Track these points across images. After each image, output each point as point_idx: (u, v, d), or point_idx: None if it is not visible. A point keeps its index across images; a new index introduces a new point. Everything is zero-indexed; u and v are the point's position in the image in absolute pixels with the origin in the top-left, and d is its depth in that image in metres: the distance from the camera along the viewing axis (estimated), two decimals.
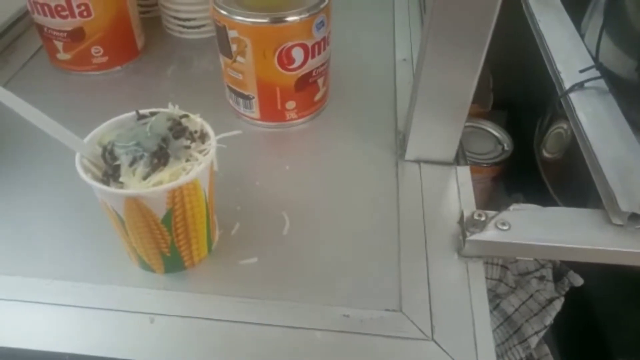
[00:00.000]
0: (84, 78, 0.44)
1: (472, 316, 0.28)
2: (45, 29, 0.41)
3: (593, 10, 0.48)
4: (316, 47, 0.37)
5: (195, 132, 0.27)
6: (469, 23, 0.30)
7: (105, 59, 0.43)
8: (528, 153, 0.54)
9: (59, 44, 0.42)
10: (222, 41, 0.37)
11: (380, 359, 0.26)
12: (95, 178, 0.25)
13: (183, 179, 0.25)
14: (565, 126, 0.47)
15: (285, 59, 0.36)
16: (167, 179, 0.24)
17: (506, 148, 0.61)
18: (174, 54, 0.48)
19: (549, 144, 0.52)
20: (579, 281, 0.46)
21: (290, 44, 0.35)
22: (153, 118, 0.27)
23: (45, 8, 0.39)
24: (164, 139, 0.26)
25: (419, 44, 0.35)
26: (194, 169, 0.25)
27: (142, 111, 0.28)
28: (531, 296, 0.45)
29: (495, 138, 0.63)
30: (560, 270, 0.47)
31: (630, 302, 0.43)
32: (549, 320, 0.43)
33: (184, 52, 0.48)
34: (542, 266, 0.47)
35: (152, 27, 0.50)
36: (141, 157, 0.25)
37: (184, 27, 0.49)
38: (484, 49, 0.31)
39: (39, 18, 0.40)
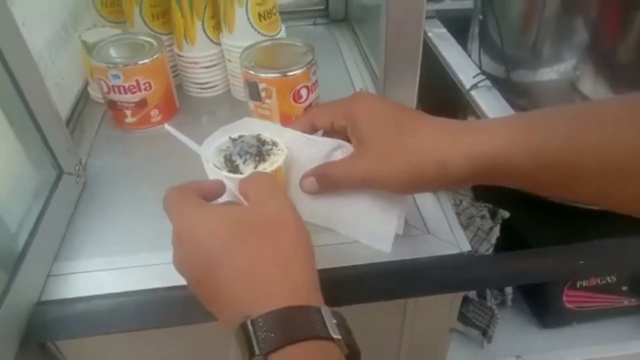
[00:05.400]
0: (146, 133, 0.60)
1: (447, 218, 0.48)
2: (118, 103, 0.58)
3: (472, 39, 0.73)
4: (313, 86, 0.57)
5: (270, 141, 0.45)
6: (407, 59, 0.51)
7: (159, 117, 0.60)
8: None
9: (128, 112, 0.58)
10: (253, 91, 0.56)
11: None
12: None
13: (276, 165, 0.43)
14: (474, 117, 0.71)
15: (297, 97, 0.55)
16: (269, 167, 0.43)
17: None
18: (200, 108, 0.66)
19: None
20: (506, 214, 0.68)
21: (299, 86, 0.55)
22: (243, 137, 0.45)
23: (121, 88, 0.56)
24: (257, 147, 0.44)
25: (369, 78, 0.56)
26: (279, 160, 0.43)
27: (232, 136, 0.46)
28: (478, 228, 0.66)
29: None
30: (493, 210, 0.69)
31: (540, 220, 0.66)
32: (493, 240, 0.64)
33: (208, 106, 0.66)
34: (481, 210, 0.69)
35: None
36: (249, 157, 0.43)
37: (202, 88, 0.67)
38: (417, 74, 0.52)
39: (114, 96, 0.57)
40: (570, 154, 0.31)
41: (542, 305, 0.67)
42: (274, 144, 0.45)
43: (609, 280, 0.66)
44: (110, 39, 0.59)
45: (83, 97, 0.65)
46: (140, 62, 0.56)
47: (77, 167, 0.50)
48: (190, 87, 0.68)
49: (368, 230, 0.44)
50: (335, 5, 0.88)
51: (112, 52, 0.57)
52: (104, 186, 0.53)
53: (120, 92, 0.56)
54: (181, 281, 0.41)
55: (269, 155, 0.44)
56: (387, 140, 0.37)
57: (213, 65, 0.66)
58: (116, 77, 0.55)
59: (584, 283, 0.65)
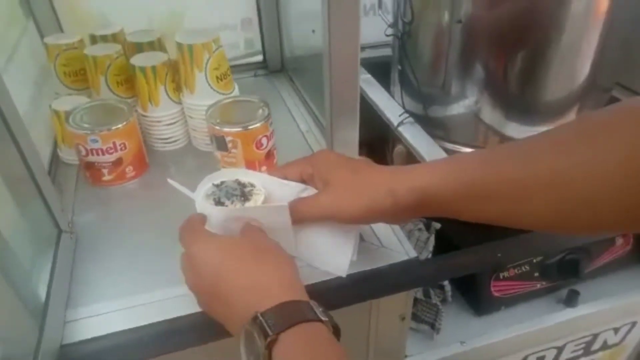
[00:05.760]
0: (121, 188, 0.66)
1: (395, 234, 0.59)
2: (96, 163, 0.63)
3: (394, 83, 0.88)
4: (271, 134, 0.67)
5: (248, 183, 0.54)
6: (348, 107, 0.63)
7: (133, 173, 0.67)
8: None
9: (105, 171, 0.64)
10: (220, 143, 0.64)
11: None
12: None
13: (258, 203, 0.52)
14: (402, 147, 0.85)
15: (259, 145, 0.65)
16: (252, 204, 0.51)
17: None
18: (167, 160, 0.73)
19: (396, 161, 0.89)
20: (438, 225, 0.82)
21: (260, 136, 0.65)
22: (225, 182, 0.54)
23: (99, 151, 0.62)
24: (240, 189, 0.53)
25: (310, 119, 0.67)
26: (259, 199, 0.52)
27: (215, 182, 0.54)
28: (417, 239, 0.78)
29: None
30: (427, 223, 0.83)
31: (464, 227, 0.79)
32: (430, 248, 0.77)
33: (172, 158, 0.74)
34: (417, 224, 0.82)
35: None
36: (235, 198, 0.51)
37: (166, 143, 0.75)
38: (357, 117, 0.64)
39: (92, 158, 0.63)
40: (492, 186, 0.37)
41: (475, 296, 0.80)
42: (252, 185, 0.54)
43: (524, 270, 0.81)
44: (83, 106, 0.65)
45: (54, 160, 0.70)
46: (114, 127, 0.63)
47: (69, 224, 0.55)
48: (155, 143, 0.75)
49: (327, 259, 0.52)
50: (272, 58, 1.00)
51: (87, 119, 0.64)
52: (92, 239, 0.58)
53: (98, 154, 0.63)
54: (171, 314, 0.48)
55: (251, 195, 0.53)
56: (345, 180, 0.46)
57: (175, 122, 0.74)
58: (95, 141, 0.61)
59: (506, 274, 0.80)
